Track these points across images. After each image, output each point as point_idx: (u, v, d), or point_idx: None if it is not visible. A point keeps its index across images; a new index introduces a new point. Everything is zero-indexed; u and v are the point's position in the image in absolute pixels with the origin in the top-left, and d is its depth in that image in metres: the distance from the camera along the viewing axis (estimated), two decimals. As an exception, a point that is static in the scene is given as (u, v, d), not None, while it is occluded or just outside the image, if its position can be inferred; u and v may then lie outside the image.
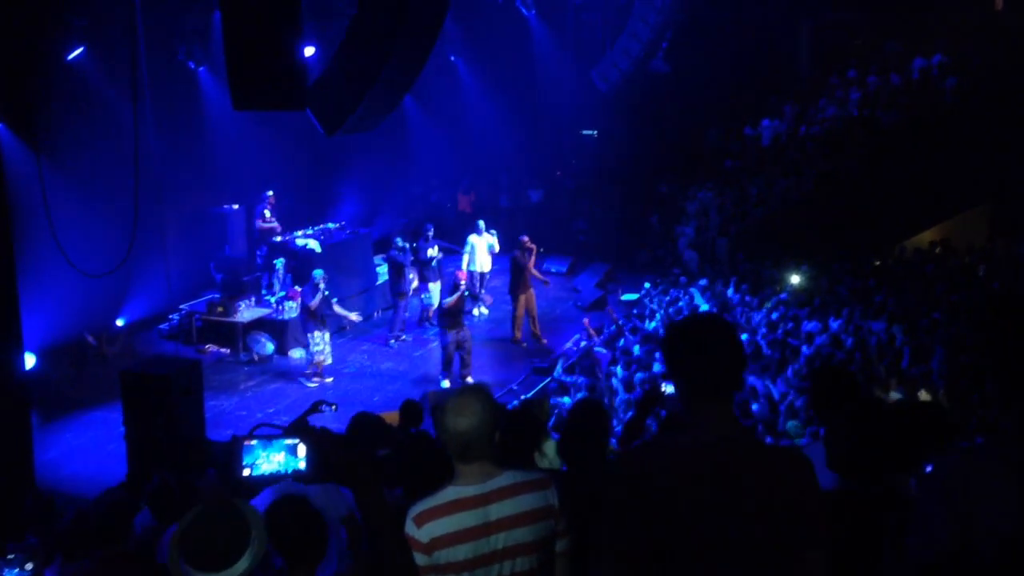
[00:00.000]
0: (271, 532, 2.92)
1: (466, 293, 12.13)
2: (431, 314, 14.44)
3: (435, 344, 13.50)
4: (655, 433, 7.28)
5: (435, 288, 14.46)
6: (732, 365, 2.35)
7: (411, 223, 16.17)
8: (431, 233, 14.80)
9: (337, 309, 12.67)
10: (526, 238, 13.90)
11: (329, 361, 12.29)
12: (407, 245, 14.03)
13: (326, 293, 12.10)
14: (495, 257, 15.30)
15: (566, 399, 9.84)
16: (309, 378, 12.18)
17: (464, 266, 14.64)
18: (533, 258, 14.00)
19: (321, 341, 12.08)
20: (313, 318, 12.01)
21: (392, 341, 13.79)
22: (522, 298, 13.77)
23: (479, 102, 20.00)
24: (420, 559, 2.67)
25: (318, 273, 12.10)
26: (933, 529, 2.40)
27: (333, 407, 4.96)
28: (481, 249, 14.90)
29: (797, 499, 2.25)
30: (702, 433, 2.34)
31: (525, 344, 13.82)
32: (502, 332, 14.38)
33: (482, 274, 15.11)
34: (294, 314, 13.36)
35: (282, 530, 3.07)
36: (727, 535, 2.23)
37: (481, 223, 15.12)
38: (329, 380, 12.23)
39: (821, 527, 2.26)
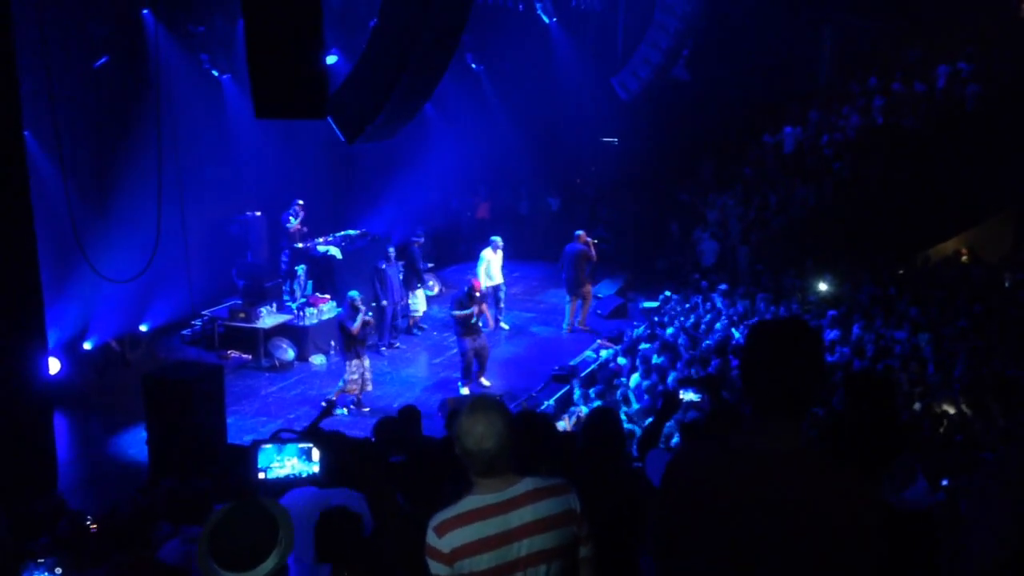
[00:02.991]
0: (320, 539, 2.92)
1: (471, 313, 11.95)
2: (415, 321, 14.73)
3: (455, 351, 13.54)
4: (684, 438, 7.27)
5: (420, 295, 14.75)
6: (797, 381, 2.18)
7: (428, 231, 16.28)
8: (422, 240, 15.03)
9: None
10: (582, 232, 14.74)
11: (369, 388, 11.50)
12: (393, 252, 14.01)
13: (368, 316, 11.40)
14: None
15: (584, 408, 9.82)
16: (358, 408, 11.32)
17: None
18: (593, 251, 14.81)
19: (358, 368, 11.32)
20: (356, 344, 11.29)
21: (383, 349, 13.75)
22: (587, 288, 14.67)
23: (499, 109, 20.04)
24: (442, 570, 2.66)
25: (354, 294, 11.49)
26: (998, 528, 2.32)
27: (345, 411, 5.00)
28: (495, 264, 14.84)
29: (844, 529, 2.13)
30: (758, 444, 2.23)
31: (589, 328, 14.72)
32: (522, 338, 14.40)
33: (496, 287, 14.91)
34: (315, 320, 13.42)
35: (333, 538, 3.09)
36: (762, 549, 2.16)
37: (497, 239, 14.96)
38: (366, 410, 11.28)
39: (871, 560, 2.13)
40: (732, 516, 2.19)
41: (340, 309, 13.28)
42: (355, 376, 11.30)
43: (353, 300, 11.37)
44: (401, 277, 14.37)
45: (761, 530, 2.16)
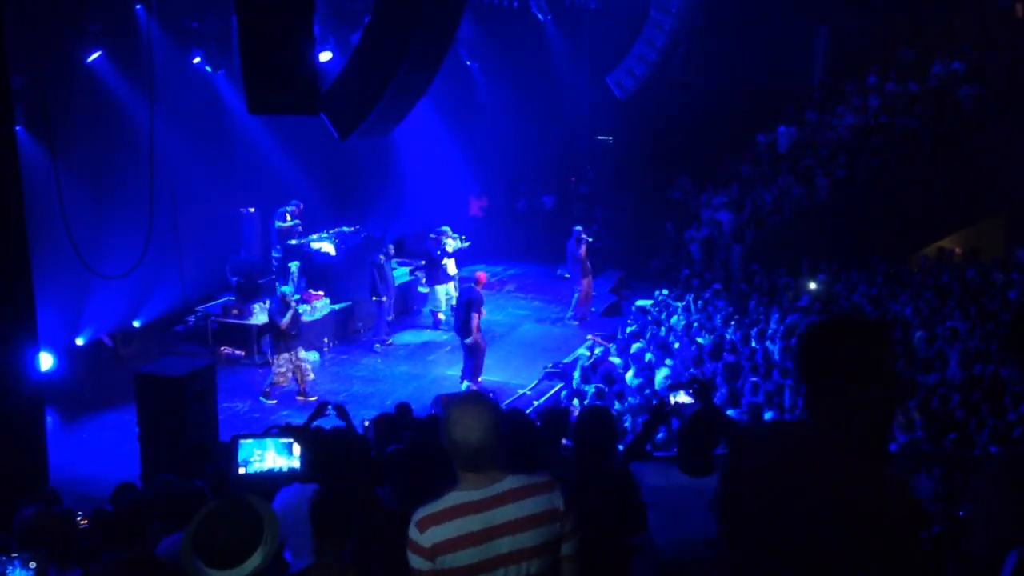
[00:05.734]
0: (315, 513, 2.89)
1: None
2: (445, 317, 14.38)
3: (448, 348, 13.53)
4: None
5: (442, 290, 14.40)
6: (844, 372, 2.19)
7: (421, 229, 16.17)
8: (445, 236, 14.78)
9: None
10: (581, 228, 14.99)
11: (311, 376, 11.87)
12: (392, 248, 13.95)
13: (300, 309, 11.97)
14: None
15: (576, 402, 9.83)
16: (268, 397, 11.69)
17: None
18: (585, 247, 14.94)
19: (287, 363, 11.58)
20: (285, 338, 11.58)
21: (377, 346, 13.71)
22: (587, 280, 14.91)
23: (495, 107, 20.01)
24: (423, 564, 2.68)
25: (286, 290, 12.05)
26: (999, 527, 2.34)
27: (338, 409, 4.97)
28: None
29: (882, 511, 2.16)
30: (808, 430, 2.28)
31: (585, 320, 15.00)
32: (515, 335, 14.39)
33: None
34: (308, 317, 13.39)
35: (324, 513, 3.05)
36: (809, 531, 2.18)
37: (447, 228, 14.95)
38: (313, 398, 11.52)
39: (903, 542, 2.16)
40: (787, 498, 2.21)
41: (334, 305, 13.32)
42: (283, 369, 11.61)
43: (284, 296, 11.78)
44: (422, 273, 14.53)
45: (810, 512, 2.17)
